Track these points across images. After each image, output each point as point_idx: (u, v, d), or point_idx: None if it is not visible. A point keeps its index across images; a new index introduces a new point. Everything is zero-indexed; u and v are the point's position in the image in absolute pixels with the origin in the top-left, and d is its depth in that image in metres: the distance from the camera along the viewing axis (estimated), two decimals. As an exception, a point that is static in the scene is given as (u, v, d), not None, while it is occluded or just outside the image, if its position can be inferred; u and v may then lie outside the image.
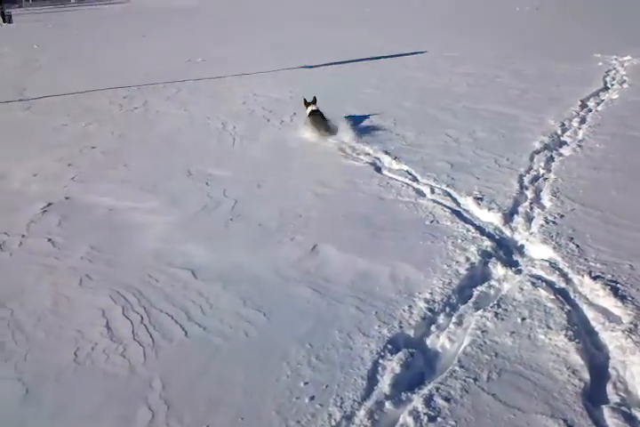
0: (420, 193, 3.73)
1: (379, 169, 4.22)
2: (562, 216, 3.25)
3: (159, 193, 3.95)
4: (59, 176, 4.42)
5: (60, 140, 5.42)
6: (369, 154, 4.55)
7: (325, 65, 8.84)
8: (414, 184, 3.88)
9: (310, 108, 5.26)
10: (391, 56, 9.36)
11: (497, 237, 3.08)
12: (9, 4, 45.13)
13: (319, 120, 5.06)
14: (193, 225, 3.41)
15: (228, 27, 17.88)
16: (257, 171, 4.28)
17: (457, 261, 2.77)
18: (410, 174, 4.07)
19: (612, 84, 6.33)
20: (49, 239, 3.31)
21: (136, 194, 3.97)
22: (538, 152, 4.37)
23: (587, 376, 1.91)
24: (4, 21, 28.43)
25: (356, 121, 5.41)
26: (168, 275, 2.79)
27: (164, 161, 4.66)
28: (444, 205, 3.51)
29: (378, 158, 4.45)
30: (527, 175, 3.95)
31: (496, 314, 2.31)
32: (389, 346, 2.13)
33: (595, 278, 2.52)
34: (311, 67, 8.72)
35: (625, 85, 6.26)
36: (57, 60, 11.51)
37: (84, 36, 17.29)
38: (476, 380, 1.92)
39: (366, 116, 5.60)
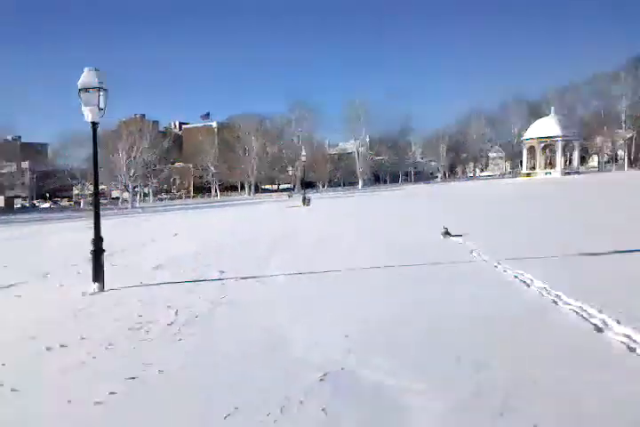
0: None
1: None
2: None
3: (428, 375, 3.96)
4: (337, 347, 4.77)
5: (342, 312, 5.94)
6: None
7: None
8: None
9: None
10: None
11: None
12: (309, 189, 54.55)
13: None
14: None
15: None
16: (533, 364, 4.02)
17: None
18: None
19: None
20: (322, 409, 3.52)
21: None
22: None
23: None
24: (304, 204, 33.99)
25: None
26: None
27: (432, 343, 4.71)
28: None
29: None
30: None
31: None
32: None
33: None
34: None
35: None
36: (341, 239, 13.08)
37: (368, 217, 19.51)
38: None
39: None
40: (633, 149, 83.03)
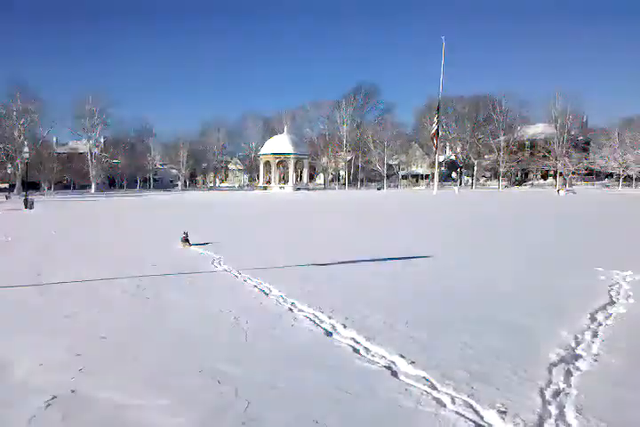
0: (441, 403, 3.61)
1: (395, 373, 4.14)
2: (591, 437, 3.12)
3: (169, 390, 3.83)
4: (66, 367, 4.32)
5: (70, 329, 5.41)
6: (384, 356, 4.51)
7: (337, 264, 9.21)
8: (434, 393, 3.77)
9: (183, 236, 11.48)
10: (399, 258, 9.77)
11: (528, 458, 2.90)
12: (32, 191, 49.07)
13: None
14: (204, 428, 3.24)
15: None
16: (271, 369, 4.20)
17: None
18: (428, 381, 3.98)
19: (618, 299, 6.48)
20: (51, 437, 3.13)
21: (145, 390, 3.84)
22: (555, 364, 4.32)
23: None
24: (26, 207, 30.49)
25: (368, 320, 5.49)
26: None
27: (174, 355, 4.60)
28: (467, 418, 3.39)
29: (393, 362, 4.39)
30: (548, 389, 3.86)
31: None
32: None
33: None
34: (323, 264, 9.06)
35: (631, 300, 6.42)
36: (73, 247, 12.05)
37: (99, 224, 18.39)
38: None
39: (378, 316, 5.67)
40: (352, 170, 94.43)
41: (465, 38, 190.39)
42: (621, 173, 75.99)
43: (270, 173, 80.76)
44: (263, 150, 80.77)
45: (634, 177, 76.58)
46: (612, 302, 6.34)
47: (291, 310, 6.07)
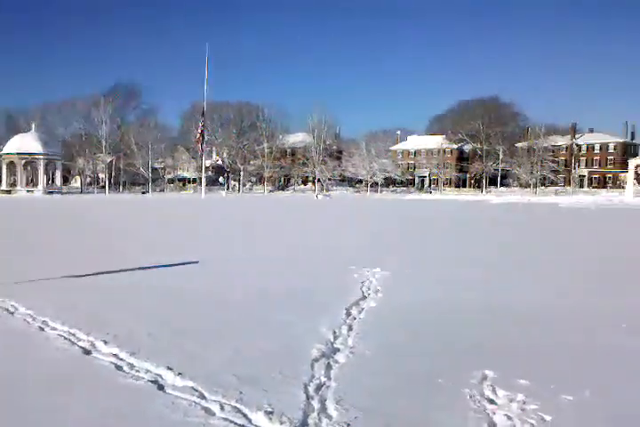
0: (210, 412, 3.56)
1: (162, 387, 3.97)
2: (348, 425, 3.37)
3: None
4: None
5: None
6: (150, 371, 4.29)
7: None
8: (202, 402, 3.70)
9: None
10: (164, 265, 9.46)
11: (292, 454, 3.01)
12: None
13: None
14: None
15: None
16: (21, 398, 3.69)
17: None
18: (196, 391, 3.90)
19: (369, 294, 7.20)
20: None
21: None
22: (317, 360, 4.59)
23: None
24: None
25: (132, 333, 5.19)
26: None
27: None
28: (236, 423, 3.39)
29: (160, 375, 4.20)
30: (311, 384, 4.07)
31: None
32: None
33: None
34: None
35: (379, 295, 7.16)
36: None
37: None
38: None
39: (143, 328, 5.40)
40: (113, 173, 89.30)
41: (238, 42, 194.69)
42: (369, 179, 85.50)
43: (16, 174, 72.18)
44: (6, 149, 71.86)
45: (379, 183, 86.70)
46: (364, 297, 7.01)
47: (42, 329, 5.43)
